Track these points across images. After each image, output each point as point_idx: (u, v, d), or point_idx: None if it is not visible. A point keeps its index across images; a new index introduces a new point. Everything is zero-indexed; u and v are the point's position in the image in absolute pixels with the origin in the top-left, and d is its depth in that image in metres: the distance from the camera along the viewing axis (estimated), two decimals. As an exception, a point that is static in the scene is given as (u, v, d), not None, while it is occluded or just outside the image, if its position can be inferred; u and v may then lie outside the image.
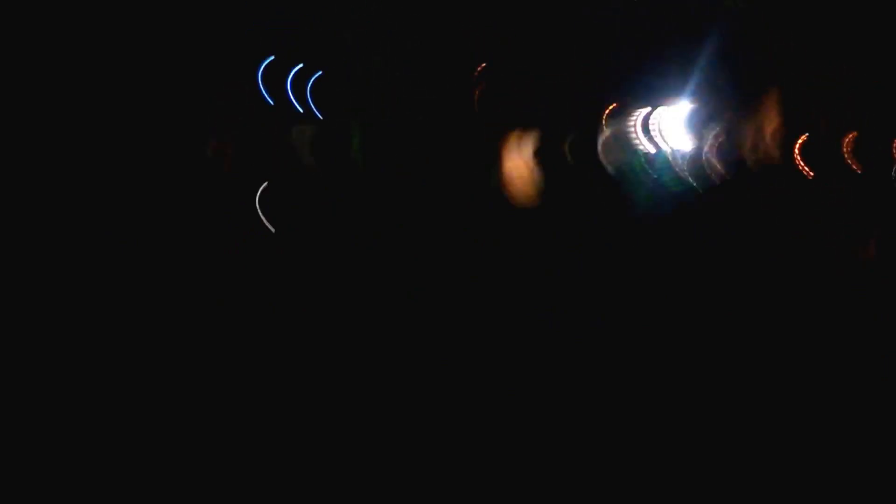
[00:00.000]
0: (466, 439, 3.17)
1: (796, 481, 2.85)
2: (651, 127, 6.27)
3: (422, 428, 3.29)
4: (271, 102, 5.17)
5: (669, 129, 6.24)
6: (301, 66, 5.36)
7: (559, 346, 3.99)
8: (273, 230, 4.84)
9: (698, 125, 6.29)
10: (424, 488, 2.90)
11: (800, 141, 5.74)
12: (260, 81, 5.18)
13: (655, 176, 6.03)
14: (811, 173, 5.67)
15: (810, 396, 3.40)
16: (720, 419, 3.26)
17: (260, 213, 4.95)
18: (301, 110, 5.28)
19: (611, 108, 6.12)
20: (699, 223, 5.27)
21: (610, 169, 6.00)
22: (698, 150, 6.25)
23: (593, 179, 5.93)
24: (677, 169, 6.12)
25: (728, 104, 6.15)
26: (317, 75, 5.39)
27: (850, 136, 5.78)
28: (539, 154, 5.81)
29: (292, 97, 5.28)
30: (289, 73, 5.30)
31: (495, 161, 5.74)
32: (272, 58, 5.21)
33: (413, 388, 3.63)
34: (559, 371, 3.77)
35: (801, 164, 5.73)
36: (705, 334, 4.07)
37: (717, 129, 6.22)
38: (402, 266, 4.86)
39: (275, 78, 5.32)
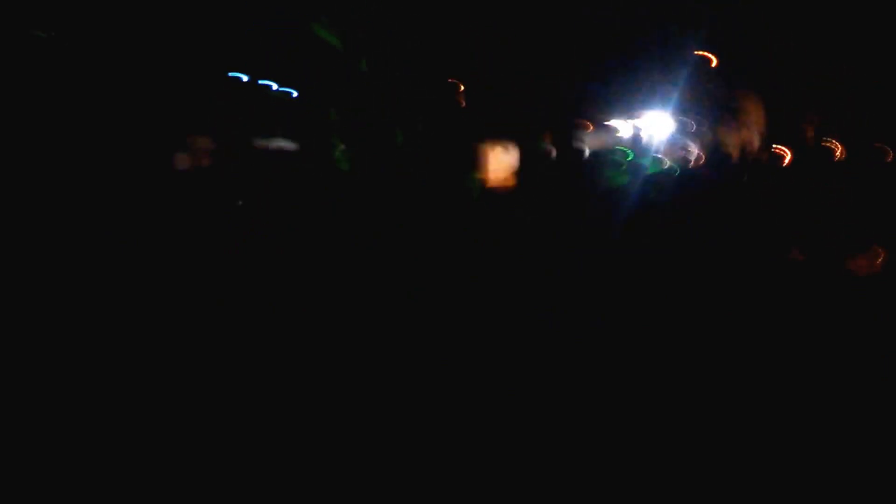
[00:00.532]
0: (467, 439, 3.17)
1: (796, 481, 2.85)
2: (639, 133, 6.29)
3: (422, 428, 3.29)
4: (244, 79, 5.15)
5: (658, 135, 6.26)
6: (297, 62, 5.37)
7: (559, 346, 3.99)
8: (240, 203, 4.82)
9: (687, 131, 6.30)
10: (424, 488, 2.89)
11: (790, 154, 5.74)
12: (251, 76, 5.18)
13: (643, 179, 6.03)
14: (805, 172, 5.66)
15: (810, 396, 3.40)
16: (720, 419, 3.26)
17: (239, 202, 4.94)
18: (276, 86, 5.28)
19: (596, 117, 6.15)
20: (695, 223, 5.27)
21: (598, 175, 6.01)
22: (687, 155, 6.26)
23: (586, 180, 5.94)
24: (666, 172, 6.13)
25: (717, 110, 6.16)
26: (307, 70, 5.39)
27: (840, 145, 5.77)
28: (528, 152, 5.80)
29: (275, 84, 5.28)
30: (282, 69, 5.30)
31: (486, 158, 5.73)
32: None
33: (413, 387, 3.62)
34: (559, 371, 3.76)
35: (792, 160, 5.72)
36: (705, 334, 4.07)
37: (707, 134, 6.23)
38: (402, 266, 4.86)
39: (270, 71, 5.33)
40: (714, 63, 5.93)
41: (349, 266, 4.83)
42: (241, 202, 4.86)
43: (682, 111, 6.17)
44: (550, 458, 3.04)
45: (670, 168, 6.07)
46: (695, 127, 6.25)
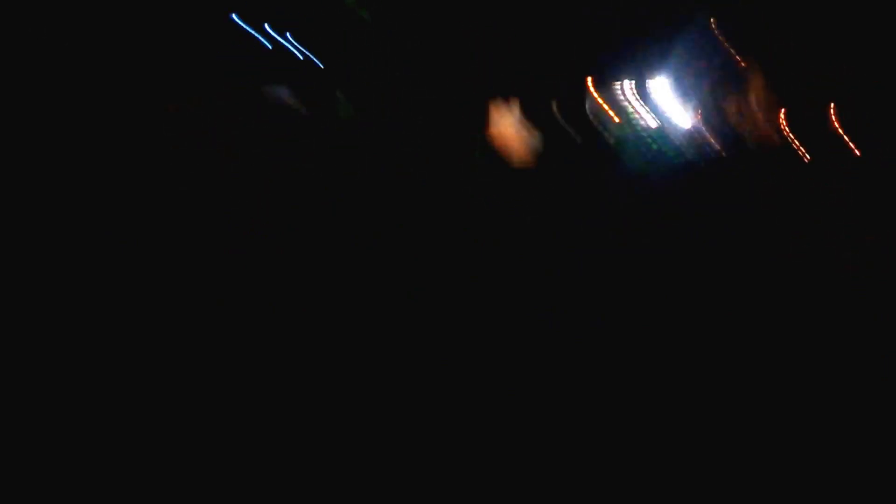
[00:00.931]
0: (467, 439, 3.17)
1: (796, 481, 2.85)
2: (641, 96, 6.25)
3: (422, 428, 3.29)
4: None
5: (659, 98, 6.21)
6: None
7: (559, 346, 3.99)
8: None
9: (688, 96, 6.27)
10: (424, 488, 2.89)
11: (783, 113, 5.73)
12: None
13: (647, 146, 5.99)
14: (804, 152, 5.66)
15: (810, 396, 3.40)
16: (720, 418, 3.26)
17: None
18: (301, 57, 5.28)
19: (597, 77, 6.11)
20: (695, 211, 5.25)
21: (601, 137, 5.96)
22: (688, 121, 6.23)
23: (584, 156, 5.89)
24: (668, 138, 6.09)
25: (716, 76, 6.13)
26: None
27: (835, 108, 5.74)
28: (532, 124, 5.75)
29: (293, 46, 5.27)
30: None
31: (489, 137, 5.68)
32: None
33: (413, 388, 3.62)
34: (560, 371, 3.76)
35: (794, 141, 5.72)
36: (704, 333, 4.07)
37: (707, 100, 6.20)
38: (402, 266, 4.86)
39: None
40: (728, 47, 5.92)
41: (349, 265, 4.83)
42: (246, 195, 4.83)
43: (698, 97, 6.15)
44: (551, 457, 3.04)
45: (687, 157, 6.03)
46: (712, 114, 6.23)
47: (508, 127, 5.75)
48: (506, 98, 5.78)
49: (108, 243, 4.39)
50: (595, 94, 6.14)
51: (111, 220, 4.51)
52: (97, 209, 4.53)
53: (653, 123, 6.22)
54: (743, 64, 6.05)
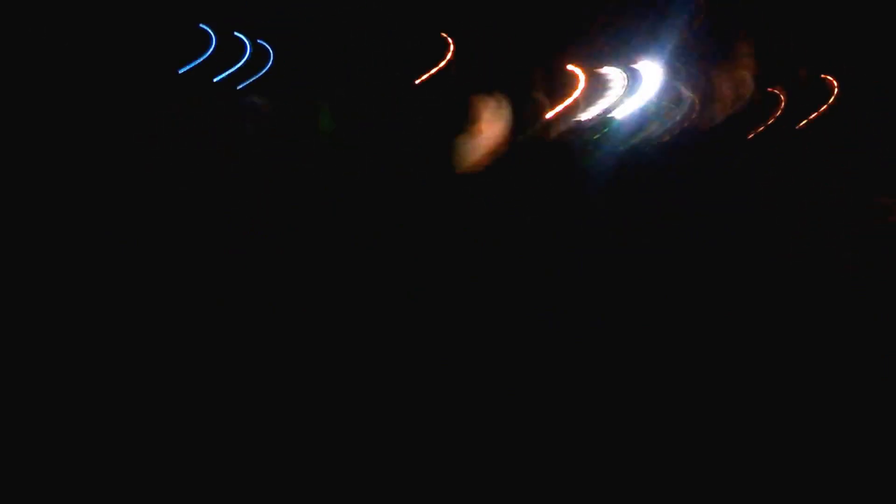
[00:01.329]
0: (467, 440, 3.17)
1: (796, 481, 2.85)
2: (629, 85, 6.20)
3: (422, 428, 3.29)
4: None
5: (648, 86, 6.15)
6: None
7: (559, 346, 3.99)
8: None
9: (676, 82, 6.23)
10: (424, 488, 2.89)
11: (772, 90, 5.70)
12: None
13: (635, 138, 5.96)
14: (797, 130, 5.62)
15: (810, 394, 3.40)
16: (720, 415, 3.26)
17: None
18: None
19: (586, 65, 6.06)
20: (693, 208, 5.24)
21: (587, 139, 5.94)
22: (678, 107, 6.19)
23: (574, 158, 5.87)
24: (658, 128, 6.06)
25: (704, 59, 6.09)
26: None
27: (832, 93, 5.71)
28: (527, 122, 5.73)
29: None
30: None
31: (475, 135, 5.66)
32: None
33: (413, 388, 3.62)
34: (559, 371, 3.76)
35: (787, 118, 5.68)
36: (704, 332, 4.07)
37: (695, 85, 6.17)
38: (402, 266, 4.86)
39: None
40: (705, 9, 5.89)
41: (349, 265, 4.83)
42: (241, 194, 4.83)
43: (674, 59, 6.10)
44: (551, 457, 3.04)
45: (661, 131, 5.98)
46: (687, 75, 6.19)
47: (503, 125, 5.73)
48: (499, 95, 5.75)
49: (107, 243, 4.39)
50: (585, 83, 6.10)
51: (111, 221, 4.51)
52: (97, 209, 4.52)
53: (642, 108, 6.19)
54: (733, 40, 6.01)
